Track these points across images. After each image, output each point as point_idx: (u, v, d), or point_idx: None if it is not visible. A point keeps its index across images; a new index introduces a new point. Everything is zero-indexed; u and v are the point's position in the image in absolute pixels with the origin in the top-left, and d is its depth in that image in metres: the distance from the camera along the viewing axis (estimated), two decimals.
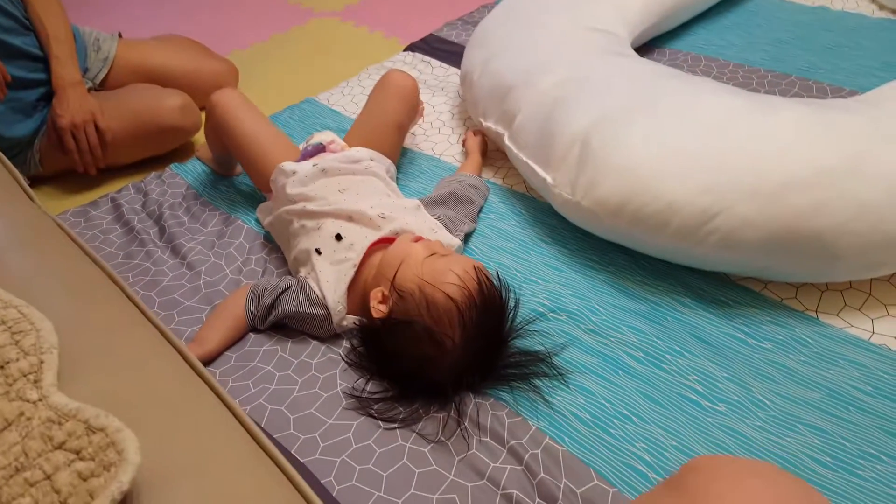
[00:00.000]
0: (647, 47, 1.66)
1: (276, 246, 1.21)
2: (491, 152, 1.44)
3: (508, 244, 1.18)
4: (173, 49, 1.82)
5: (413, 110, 1.34)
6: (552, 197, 1.15)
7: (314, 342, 1.01)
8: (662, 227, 0.99)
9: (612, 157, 1.04)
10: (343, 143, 1.25)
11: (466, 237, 1.19)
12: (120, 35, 1.76)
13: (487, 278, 0.93)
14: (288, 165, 1.16)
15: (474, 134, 1.42)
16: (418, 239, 1.02)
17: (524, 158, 1.22)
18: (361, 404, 0.89)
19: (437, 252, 0.97)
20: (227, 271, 1.16)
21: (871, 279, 1.03)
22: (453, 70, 1.72)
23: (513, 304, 0.96)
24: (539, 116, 1.21)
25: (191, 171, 1.45)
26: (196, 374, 0.61)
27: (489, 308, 0.89)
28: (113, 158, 1.53)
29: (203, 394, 0.58)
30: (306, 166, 1.15)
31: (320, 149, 1.23)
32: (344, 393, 0.92)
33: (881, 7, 1.71)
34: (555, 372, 0.92)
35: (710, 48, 1.64)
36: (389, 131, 1.29)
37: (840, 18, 1.69)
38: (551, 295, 1.06)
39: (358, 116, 1.33)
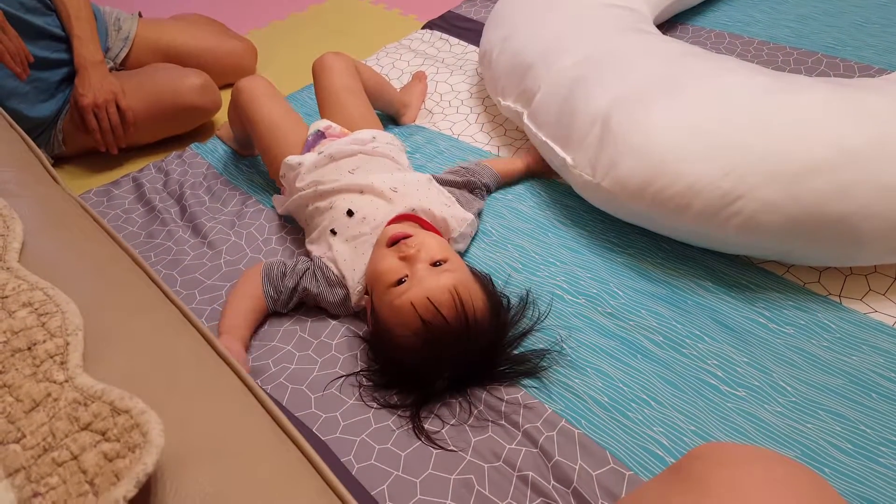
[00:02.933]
0: (669, 24, 1.63)
1: (294, 227, 1.22)
2: (509, 132, 1.42)
3: (526, 226, 1.17)
4: (193, 28, 1.82)
5: (350, 75, 1.32)
6: (572, 178, 1.14)
7: (333, 322, 1.02)
8: (683, 209, 0.98)
9: (632, 136, 1.03)
10: (341, 128, 1.24)
11: (479, 214, 1.19)
12: (140, 14, 1.77)
13: (460, 301, 0.87)
14: (293, 159, 1.17)
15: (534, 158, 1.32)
16: (427, 225, 1.03)
17: (543, 138, 1.21)
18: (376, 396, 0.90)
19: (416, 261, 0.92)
20: (248, 250, 1.17)
21: None
22: (472, 48, 1.71)
23: (509, 308, 0.96)
24: (559, 95, 1.20)
25: (211, 150, 1.46)
26: (217, 355, 0.62)
27: (448, 338, 0.85)
28: (134, 138, 1.55)
29: (224, 375, 0.59)
30: (311, 157, 1.16)
31: (320, 136, 1.23)
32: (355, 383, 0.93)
33: None
34: (563, 360, 0.92)
35: (734, 25, 1.61)
36: (347, 99, 1.28)
37: None
38: (569, 278, 1.06)
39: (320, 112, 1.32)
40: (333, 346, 0.98)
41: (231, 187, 1.34)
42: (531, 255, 1.11)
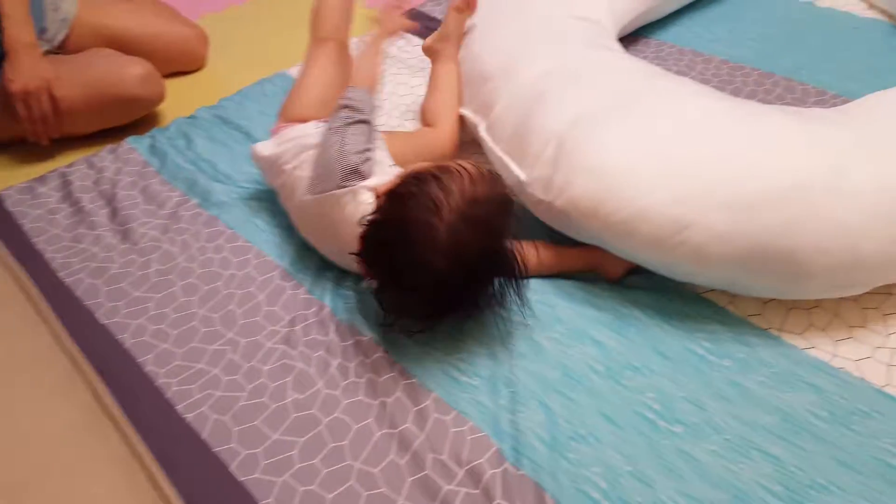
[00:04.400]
0: (632, 38, 1.61)
1: (235, 233, 1.16)
2: (465, 143, 1.39)
3: None
4: (139, 11, 1.73)
5: None
6: (525, 197, 1.11)
7: (268, 345, 0.97)
8: (633, 233, 0.97)
9: (586, 157, 1.01)
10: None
11: None
12: None
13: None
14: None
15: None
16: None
17: (499, 153, 1.18)
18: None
19: None
20: (180, 260, 1.12)
21: (839, 299, 1.01)
22: None
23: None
24: (517, 109, 1.17)
25: (149, 145, 1.39)
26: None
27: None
28: (68, 128, 1.46)
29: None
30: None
31: None
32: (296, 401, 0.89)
33: (871, 6, 1.67)
34: (508, 391, 0.90)
35: (697, 41, 1.60)
36: None
37: (829, 17, 1.65)
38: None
39: None
40: (265, 373, 0.93)
41: (168, 187, 1.28)
42: None
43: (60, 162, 1.41)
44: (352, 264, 0.97)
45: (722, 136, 0.97)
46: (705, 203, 0.92)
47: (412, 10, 1.84)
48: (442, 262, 0.85)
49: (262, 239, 1.15)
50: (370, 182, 0.98)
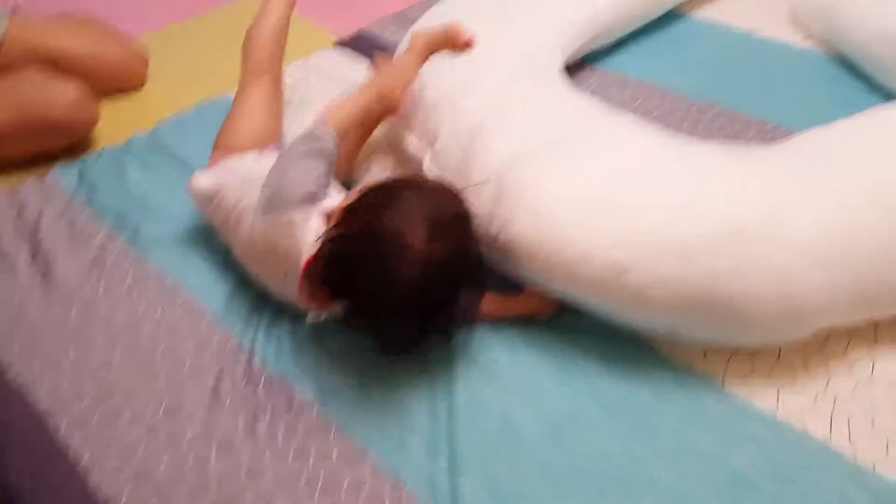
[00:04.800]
0: (577, 65, 1.60)
1: (164, 274, 1.11)
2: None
3: None
4: (75, 30, 1.66)
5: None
6: None
7: (190, 406, 0.91)
8: (575, 276, 0.95)
9: (526, 196, 1.00)
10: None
11: None
12: (15, 10, 1.59)
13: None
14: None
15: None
16: None
17: None
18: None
19: None
20: (102, 307, 1.05)
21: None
22: None
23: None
24: (461, 141, 1.15)
25: (79, 174, 1.32)
26: None
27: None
28: None
29: None
30: None
31: None
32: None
33: (808, 36, 1.69)
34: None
35: (640, 70, 1.59)
36: None
37: (768, 47, 1.67)
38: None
39: None
40: (186, 440, 0.88)
41: (95, 223, 1.21)
42: None
43: None
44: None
45: (661, 178, 0.97)
46: (646, 246, 0.92)
47: (361, 31, 1.81)
48: (414, 271, 0.83)
49: (193, 280, 1.10)
50: (326, 206, 0.95)
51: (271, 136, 1.18)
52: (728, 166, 0.98)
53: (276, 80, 1.24)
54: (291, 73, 1.63)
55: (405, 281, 0.83)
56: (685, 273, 0.90)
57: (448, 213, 0.90)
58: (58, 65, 1.55)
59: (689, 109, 1.46)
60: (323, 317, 0.93)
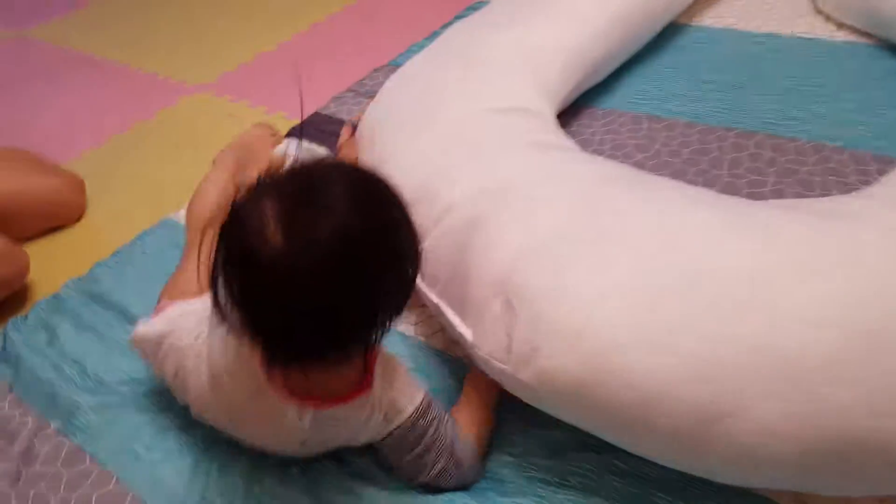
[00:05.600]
0: (573, 109, 1.37)
1: (104, 472, 0.86)
2: None
3: None
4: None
5: None
6: (478, 361, 0.83)
7: None
8: (642, 425, 0.68)
9: (554, 314, 0.73)
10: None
11: None
12: None
13: None
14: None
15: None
16: None
17: (435, 299, 0.91)
18: None
19: None
20: None
21: None
22: None
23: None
24: (450, 242, 0.89)
25: (1, 345, 1.08)
26: None
27: None
28: None
29: None
30: None
31: None
32: None
33: (839, 26, 1.46)
34: None
35: (650, 103, 1.36)
36: None
37: (795, 47, 1.44)
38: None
39: None
40: None
41: (22, 409, 0.97)
42: None
43: None
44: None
45: (741, 270, 0.68)
46: (745, 381, 0.64)
47: (315, 114, 1.58)
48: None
49: (140, 475, 0.85)
50: None
51: None
52: (824, 239, 0.70)
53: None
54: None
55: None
56: (811, 412, 0.61)
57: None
58: None
59: (725, 143, 1.21)
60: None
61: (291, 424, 0.72)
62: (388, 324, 0.64)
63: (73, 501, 0.84)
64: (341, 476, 0.82)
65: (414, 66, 1.23)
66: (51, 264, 1.34)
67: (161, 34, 2.35)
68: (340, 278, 0.58)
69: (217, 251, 0.61)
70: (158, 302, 0.94)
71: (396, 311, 0.65)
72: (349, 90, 1.63)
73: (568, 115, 1.35)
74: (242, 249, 0.59)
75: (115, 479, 0.85)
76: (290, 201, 0.59)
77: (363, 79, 1.67)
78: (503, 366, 0.77)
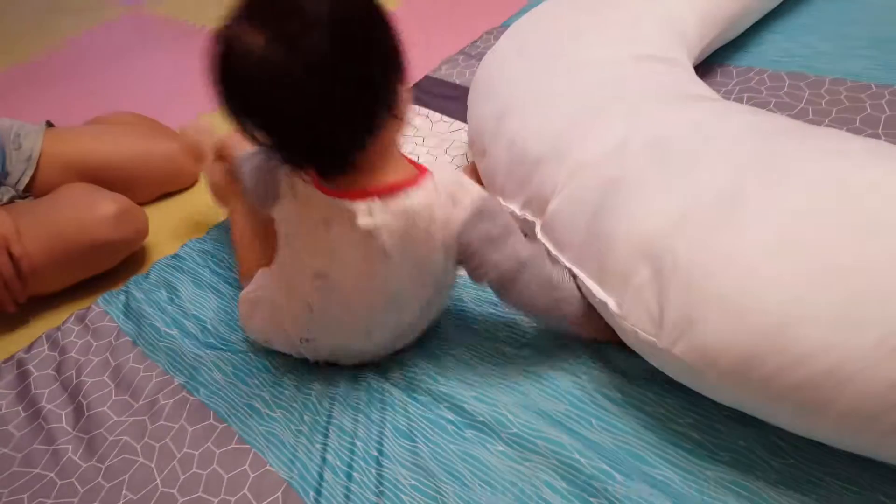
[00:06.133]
0: (706, 66, 1.27)
1: (228, 429, 0.85)
2: None
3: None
4: (115, 133, 1.48)
5: None
6: (622, 331, 0.77)
7: None
8: (821, 405, 0.60)
9: (719, 280, 0.65)
10: None
11: None
12: (50, 123, 1.43)
13: None
14: None
15: None
16: None
17: (568, 264, 0.84)
18: None
19: None
20: (159, 482, 0.81)
21: None
22: (459, 124, 1.34)
23: None
24: (584, 204, 0.83)
25: (124, 303, 1.10)
26: None
27: None
28: (37, 288, 1.19)
29: None
30: None
31: None
32: None
33: None
34: None
35: (792, 60, 1.24)
36: None
37: None
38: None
39: None
40: None
41: (146, 363, 0.98)
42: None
43: (36, 328, 1.15)
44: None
45: None
46: None
47: (425, 78, 1.54)
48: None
49: (262, 437, 0.84)
50: None
51: None
52: None
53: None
54: None
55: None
56: None
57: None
58: (99, 176, 1.36)
59: (880, 100, 1.09)
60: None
61: (371, 241, 0.72)
62: (398, 85, 0.66)
63: (196, 457, 0.83)
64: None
65: (539, 14, 1.16)
66: (168, 226, 1.37)
67: None
68: (333, 58, 0.60)
69: (225, 100, 0.63)
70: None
71: (397, 70, 0.66)
72: (460, 52, 1.58)
73: (700, 73, 1.25)
74: (239, 77, 0.61)
75: (236, 436, 0.84)
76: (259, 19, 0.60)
77: (475, 41, 1.61)
78: (652, 338, 0.71)
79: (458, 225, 0.73)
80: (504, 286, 0.77)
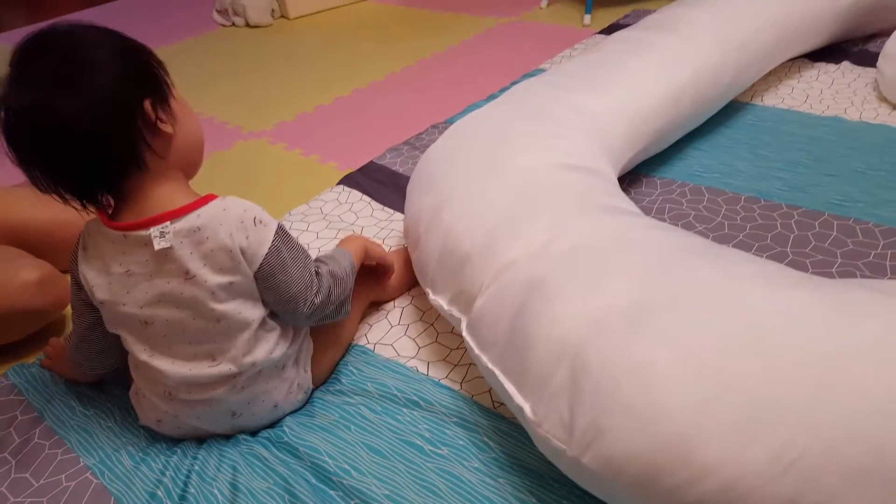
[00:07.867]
0: (632, 176, 1.35)
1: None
2: (442, 335, 1.07)
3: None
4: (43, 195, 1.45)
5: None
6: (534, 437, 0.77)
7: None
8: None
9: (626, 390, 0.67)
10: None
11: None
12: None
13: None
14: None
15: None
16: None
17: (489, 365, 0.86)
18: None
19: None
20: None
21: None
22: (398, 215, 1.38)
23: None
24: (508, 304, 0.85)
25: (33, 375, 1.06)
26: None
27: None
28: None
29: None
30: None
31: None
32: None
33: None
34: None
35: (711, 177, 1.33)
36: None
37: (861, 131, 1.41)
38: None
39: None
40: None
41: (53, 441, 0.93)
42: None
43: None
44: None
45: (832, 353, 0.63)
46: (836, 474, 0.58)
47: (370, 163, 1.59)
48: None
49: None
50: None
51: None
52: None
53: None
54: (292, 222, 1.41)
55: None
56: None
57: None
58: (29, 238, 1.33)
59: (789, 221, 1.17)
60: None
61: (169, 263, 0.78)
62: (155, 109, 0.77)
63: None
64: None
65: (480, 116, 1.21)
66: None
67: (221, 83, 2.44)
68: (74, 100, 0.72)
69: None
70: None
71: (157, 94, 0.78)
72: (405, 143, 1.64)
73: (626, 183, 1.33)
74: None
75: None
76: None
77: (420, 133, 1.68)
78: (563, 446, 0.72)
79: (253, 244, 0.81)
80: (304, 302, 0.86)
